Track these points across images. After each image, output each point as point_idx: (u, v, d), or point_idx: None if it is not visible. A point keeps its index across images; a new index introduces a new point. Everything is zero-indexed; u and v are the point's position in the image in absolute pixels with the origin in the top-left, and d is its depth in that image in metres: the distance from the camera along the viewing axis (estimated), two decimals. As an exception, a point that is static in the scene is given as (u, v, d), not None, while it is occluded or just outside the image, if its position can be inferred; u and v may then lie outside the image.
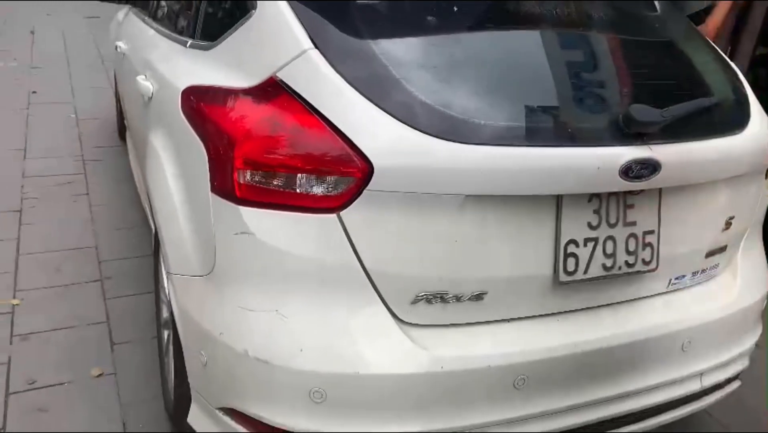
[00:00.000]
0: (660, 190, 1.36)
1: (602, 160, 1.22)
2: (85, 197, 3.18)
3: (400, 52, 1.29)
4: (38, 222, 2.87)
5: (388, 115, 1.16)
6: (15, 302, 2.29)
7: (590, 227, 1.30)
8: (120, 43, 2.74)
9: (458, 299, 1.23)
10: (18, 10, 8.25)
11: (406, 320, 1.24)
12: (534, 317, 1.33)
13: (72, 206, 3.06)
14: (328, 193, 1.17)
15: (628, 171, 1.24)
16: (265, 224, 1.19)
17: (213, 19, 1.67)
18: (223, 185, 1.22)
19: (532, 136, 1.22)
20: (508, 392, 1.28)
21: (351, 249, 1.18)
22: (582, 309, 1.36)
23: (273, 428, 1.24)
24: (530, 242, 1.26)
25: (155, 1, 2.45)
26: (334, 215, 1.17)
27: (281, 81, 1.24)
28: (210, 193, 1.26)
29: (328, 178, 1.16)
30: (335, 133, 1.16)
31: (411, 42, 1.34)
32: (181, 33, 1.88)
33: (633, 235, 1.35)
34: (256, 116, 1.23)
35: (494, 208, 1.20)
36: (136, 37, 2.49)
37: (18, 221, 2.87)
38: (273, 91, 1.24)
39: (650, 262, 1.38)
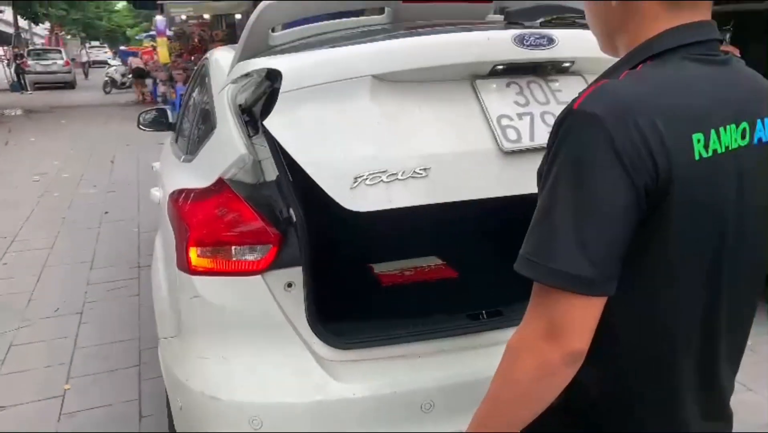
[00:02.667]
0: (583, 76, 1.55)
1: (491, 36, 1.44)
2: (135, 298, 3.78)
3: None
4: (94, 321, 3.48)
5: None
6: (66, 387, 2.81)
7: (519, 104, 1.44)
8: (155, 164, 3.42)
9: (400, 178, 1.28)
10: (102, 143, 9.73)
11: (325, 356, 1.59)
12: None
13: (123, 306, 3.66)
14: (255, 260, 1.59)
15: (523, 40, 1.44)
16: (210, 288, 1.62)
17: (196, 139, 2.23)
18: (183, 262, 1.68)
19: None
20: (415, 414, 1.57)
21: (275, 303, 1.58)
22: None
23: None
24: (462, 121, 1.38)
25: (178, 129, 3.12)
26: (259, 276, 1.58)
27: (227, 179, 1.72)
28: (176, 270, 1.72)
29: (254, 247, 1.59)
30: (257, 215, 1.60)
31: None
32: (181, 151, 2.47)
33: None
34: (206, 207, 1.70)
35: (413, 90, 1.36)
36: (164, 157, 3.15)
37: (78, 321, 3.49)
38: (218, 187, 1.72)
39: None
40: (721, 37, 0.86)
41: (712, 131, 0.79)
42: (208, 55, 2.90)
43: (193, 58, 14.38)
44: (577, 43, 1.52)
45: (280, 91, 1.42)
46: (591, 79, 1.49)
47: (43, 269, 4.31)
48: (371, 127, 1.31)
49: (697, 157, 0.77)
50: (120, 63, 21.89)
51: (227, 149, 1.77)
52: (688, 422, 0.90)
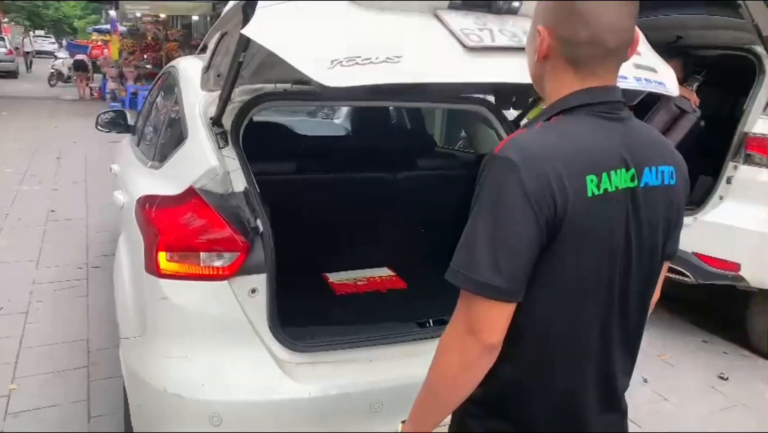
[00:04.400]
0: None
1: None
2: (84, 299, 3.77)
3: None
4: (40, 321, 3.46)
5: None
6: (12, 387, 2.81)
7: (477, 24, 1.51)
8: (114, 165, 3.46)
9: (374, 62, 1.33)
10: (46, 136, 9.47)
11: (283, 359, 1.72)
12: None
13: (71, 307, 3.65)
14: (222, 266, 1.70)
15: None
16: (178, 291, 1.72)
17: (164, 146, 2.32)
18: (151, 265, 1.77)
19: None
20: (365, 413, 1.71)
21: (239, 307, 1.70)
22: None
23: (184, 449, 1.69)
24: (429, 32, 1.45)
25: (140, 133, 3.18)
26: (225, 282, 1.70)
27: (198, 188, 1.83)
28: (144, 272, 1.81)
29: (222, 254, 1.70)
30: (226, 223, 1.72)
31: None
32: (146, 156, 2.54)
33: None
34: (177, 214, 1.80)
35: (384, 15, 1.42)
36: (124, 160, 3.20)
37: (24, 320, 3.46)
38: (189, 196, 1.83)
39: None
40: (621, 99, 1.06)
41: (604, 174, 0.98)
42: (175, 63, 2.99)
43: (145, 56, 14.21)
44: None
45: (257, 6, 1.43)
46: None
47: (-14, 266, 4.24)
48: (347, 31, 1.40)
49: (589, 194, 0.97)
50: (68, 56, 21.17)
51: (199, 160, 1.88)
52: (586, 415, 1.09)
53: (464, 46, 1.42)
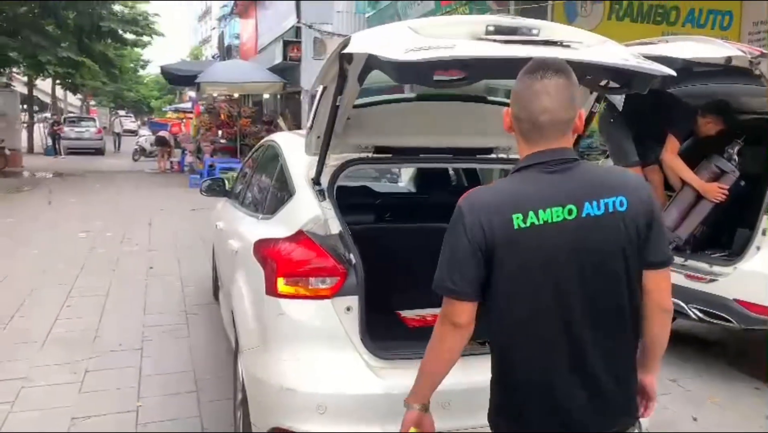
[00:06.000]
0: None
1: None
2: (186, 339, 4.39)
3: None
4: (152, 356, 4.07)
5: None
6: (138, 404, 3.39)
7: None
8: (219, 223, 4.13)
9: (433, 47, 1.71)
10: (136, 205, 10.56)
11: (371, 363, 2.21)
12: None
13: (176, 345, 4.26)
14: (326, 288, 2.24)
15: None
16: (292, 308, 2.26)
17: (273, 202, 2.94)
18: (271, 289, 2.32)
19: None
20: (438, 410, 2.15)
21: (338, 321, 2.22)
22: None
23: (297, 433, 2.17)
24: (472, 41, 1.86)
25: (242, 196, 3.86)
26: (328, 300, 2.23)
27: (306, 231, 2.40)
28: (265, 295, 2.36)
29: (325, 279, 2.25)
30: (328, 255, 2.27)
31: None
32: (256, 211, 3.17)
33: None
34: (289, 250, 2.37)
35: None
36: (230, 217, 3.86)
37: (140, 355, 4.09)
38: (300, 236, 2.39)
39: None
40: (566, 156, 1.42)
41: (531, 212, 1.36)
42: (273, 138, 3.68)
43: (220, 132, 15.53)
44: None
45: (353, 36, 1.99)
46: None
47: (103, 311, 4.95)
48: (412, 39, 1.82)
49: (515, 227, 1.36)
50: (150, 133, 23.25)
51: (305, 209, 2.46)
52: (571, 412, 1.41)
53: (499, 42, 1.84)
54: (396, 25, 2.03)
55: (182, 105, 26.83)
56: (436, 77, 1.78)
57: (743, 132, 4.27)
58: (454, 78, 1.82)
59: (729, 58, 3.35)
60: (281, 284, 2.29)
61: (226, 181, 4.71)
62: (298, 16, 14.82)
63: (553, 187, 1.40)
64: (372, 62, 1.93)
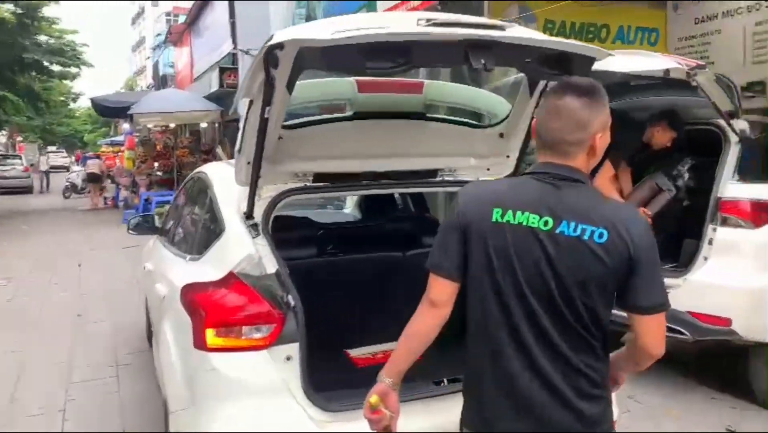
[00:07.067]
0: None
1: None
2: (115, 394, 4.01)
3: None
4: (77, 418, 3.68)
5: None
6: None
7: None
8: (147, 264, 3.81)
9: (364, 28, 1.65)
10: (65, 246, 9.93)
11: (316, 417, 1.98)
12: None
13: (104, 403, 3.87)
14: (261, 337, 2.00)
15: None
16: (224, 362, 2.01)
17: (202, 241, 2.68)
18: (200, 342, 2.07)
19: None
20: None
21: (277, 373, 1.98)
22: None
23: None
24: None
25: (171, 233, 3.56)
26: (265, 351, 1.99)
27: (237, 272, 2.16)
28: (193, 348, 2.11)
29: (261, 327, 2.01)
30: (263, 300, 2.04)
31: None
32: (184, 251, 2.90)
33: None
34: (219, 296, 2.12)
35: None
36: (158, 258, 3.56)
37: (62, 418, 3.68)
38: (230, 279, 2.15)
39: None
40: (565, 174, 1.46)
41: (509, 210, 1.45)
42: (203, 169, 3.41)
43: (156, 164, 15.00)
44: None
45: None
46: None
47: (23, 370, 4.48)
48: (344, 24, 1.76)
49: (493, 220, 1.46)
50: (81, 168, 22.26)
51: (236, 248, 2.23)
52: (531, 402, 1.44)
53: (434, 25, 1.72)
54: (323, 20, 1.91)
55: (117, 138, 25.92)
56: (369, 65, 1.67)
57: (694, 142, 4.31)
58: (390, 66, 1.71)
59: (667, 71, 3.35)
60: (211, 336, 2.04)
61: (156, 217, 4.39)
62: (234, 42, 14.58)
63: (540, 196, 1.46)
64: (301, 61, 1.77)
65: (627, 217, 1.43)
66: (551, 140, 1.47)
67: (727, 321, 3.58)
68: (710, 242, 3.72)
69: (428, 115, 2.72)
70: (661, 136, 4.18)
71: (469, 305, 1.53)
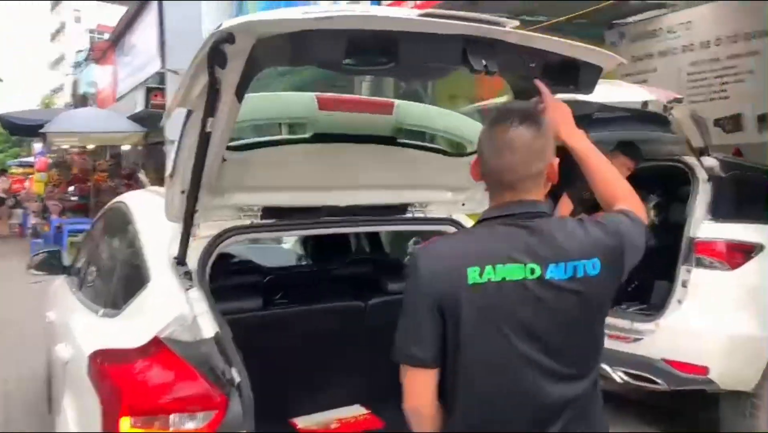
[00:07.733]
0: None
1: None
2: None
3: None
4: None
5: None
6: None
7: None
8: (50, 313, 3.18)
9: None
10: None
11: None
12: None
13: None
14: (196, 428, 1.52)
15: None
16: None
17: (120, 291, 2.15)
18: (111, 430, 1.55)
19: None
20: None
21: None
22: None
23: None
24: None
25: (83, 275, 2.97)
26: (203, 446, 1.50)
27: (164, 337, 1.67)
28: (101, 441, 1.59)
29: (195, 414, 1.52)
30: (199, 376, 1.55)
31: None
32: (96, 302, 2.35)
33: None
34: (139, 370, 1.62)
35: None
36: (64, 307, 2.94)
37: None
38: (156, 347, 1.66)
39: None
40: (532, 210, 1.33)
41: (488, 266, 1.26)
42: (123, 199, 2.87)
43: (71, 188, 13.91)
44: None
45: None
46: None
47: None
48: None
49: (470, 283, 1.26)
50: (-15, 192, 20.43)
51: (165, 306, 1.74)
52: None
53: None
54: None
55: (29, 159, 24.14)
56: (347, 60, 1.34)
57: (662, 180, 4.16)
58: (373, 62, 1.40)
59: (645, 103, 3.16)
60: (126, 426, 1.53)
61: (65, 253, 3.75)
62: (163, 61, 13.91)
63: (516, 243, 1.31)
64: (257, 58, 1.38)
65: (609, 222, 1.39)
66: (508, 178, 1.34)
67: (704, 369, 3.36)
68: (684, 284, 3.51)
69: (399, 140, 2.34)
70: (618, 168, 4.00)
71: (456, 381, 1.31)
